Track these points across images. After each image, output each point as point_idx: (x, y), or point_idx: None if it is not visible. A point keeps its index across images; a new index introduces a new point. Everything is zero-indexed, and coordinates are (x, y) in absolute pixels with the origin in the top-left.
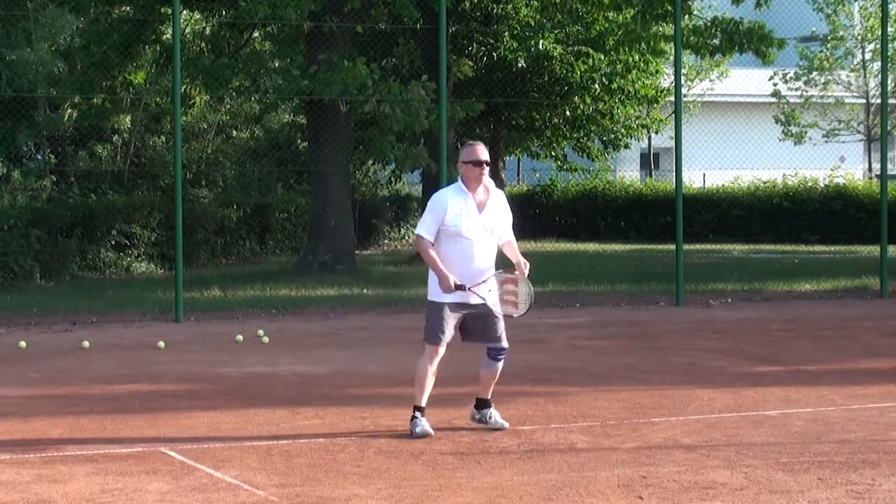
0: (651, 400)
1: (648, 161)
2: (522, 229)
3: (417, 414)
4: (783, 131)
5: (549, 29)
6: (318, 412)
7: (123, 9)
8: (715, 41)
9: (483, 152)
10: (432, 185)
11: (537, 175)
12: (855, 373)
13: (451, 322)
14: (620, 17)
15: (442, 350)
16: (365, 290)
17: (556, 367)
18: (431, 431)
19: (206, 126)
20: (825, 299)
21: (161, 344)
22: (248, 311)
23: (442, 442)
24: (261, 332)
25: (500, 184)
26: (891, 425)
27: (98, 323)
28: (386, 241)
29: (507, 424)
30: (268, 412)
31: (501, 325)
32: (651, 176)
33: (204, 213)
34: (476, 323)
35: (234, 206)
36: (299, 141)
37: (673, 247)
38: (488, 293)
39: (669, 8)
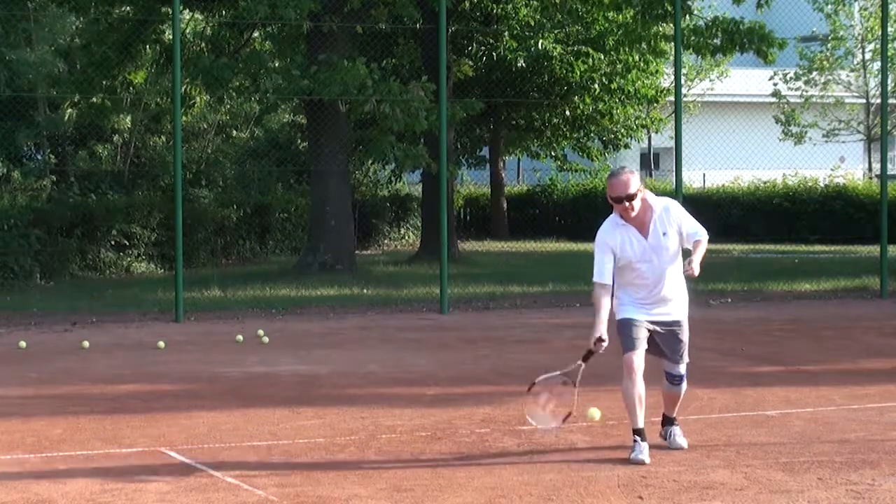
0: (651, 400)
1: (648, 161)
2: (523, 229)
3: (637, 438)
4: (783, 131)
5: (549, 29)
6: (318, 412)
7: (123, 9)
8: (715, 41)
9: (625, 185)
10: (432, 185)
11: (537, 175)
12: (855, 373)
13: (642, 329)
14: (620, 17)
15: (637, 358)
16: (365, 290)
17: (557, 368)
18: (646, 460)
19: (206, 126)
20: (825, 299)
21: (161, 344)
22: (248, 311)
23: (442, 442)
24: (261, 332)
25: (499, 184)
26: (891, 425)
27: (98, 323)
28: (386, 241)
29: (685, 444)
30: (268, 412)
31: (683, 350)
32: (651, 176)
33: (204, 213)
34: (660, 339)
35: (234, 206)
36: (299, 141)
37: None
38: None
39: (669, 8)
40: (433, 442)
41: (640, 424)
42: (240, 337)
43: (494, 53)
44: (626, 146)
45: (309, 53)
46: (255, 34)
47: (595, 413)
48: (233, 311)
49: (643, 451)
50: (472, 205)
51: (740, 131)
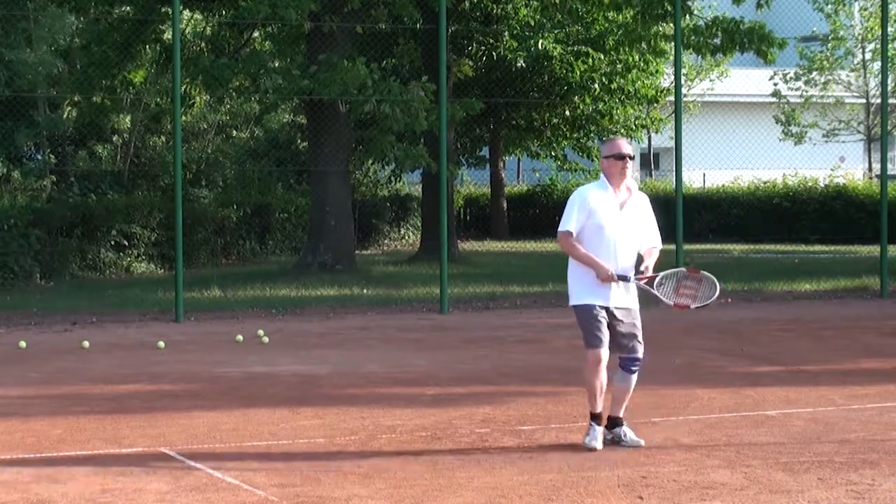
0: (651, 400)
1: (648, 161)
2: (523, 229)
3: (593, 423)
4: (783, 131)
5: (549, 29)
6: (318, 412)
7: (123, 9)
8: (716, 41)
9: (625, 146)
10: (432, 185)
11: (537, 175)
12: (855, 373)
13: (604, 322)
14: (620, 17)
15: (604, 353)
16: (365, 290)
17: (556, 367)
18: (598, 447)
19: (206, 126)
20: (825, 299)
21: (161, 344)
22: (248, 311)
23: (442, 442)
24: (261, 332)
25: (499, 184)
26: (891, 425)
27: (98, 323)
28: (386, 241)
29: (642, 442)
30: (268, 412)
31: (639, 335)
32: (651, 176)
33: (204, 213)
34: (615, 330)
35: (234, 206)
36: (299, 141)
37: (674, 247)
38: (659, 287)
39: (669, 8)
40: (433, 442)
41: (599, 409)
42: (240, 337)
43: (494, 53)
44: None
45: (309, 53)
46: (255, 34)
47: None
48: (233, 311)
49: (597, 438)
50: (472, 205)
51: (740, 131)
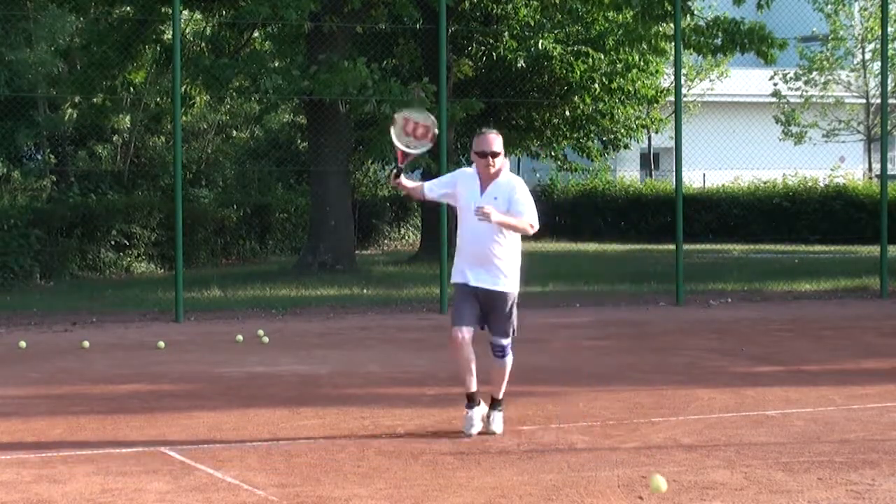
0: (651, 400)
1: (648, 161)
2: None
3: (467, 405)
4: (783, 131)
5: (549, 29)
6: (318, 412)
7: (123, 9)
8: (716, 41)
9: (489, 142)
10: None
11: (537, 175)
12: (855, 373)
13: (467, 302)
14: (620, 17)
15: (458, 333)
16: (365, 290)
17: (556, 367)
18: (472, 433)
19: (206, 126)
20: (825, 299)
21: (161, 344)
22: (248, 311)
23: (442, 442)
24: (261, 332)
25: None
26: (891, 425)
27: (98, 323)
28: (386, 241)
29: (499, 431)
30: (268, 412)
31: (506, 320)
32: (651, 176)
33: (204, 213)
34: (486, 309)
35: (234, 206)
36: (299, 141)
37: (673, 247)
38: (408, 150)
39: (669, 8)
40: (433, 442)
41: (473, 388)
42: (240, 337)
43: (494, 53)
44: (626, 146)
45: (309, 54)
46: (255, 34)
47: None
48: (233, 311)
49: (472, 423)
50: None
51: (740, 131)
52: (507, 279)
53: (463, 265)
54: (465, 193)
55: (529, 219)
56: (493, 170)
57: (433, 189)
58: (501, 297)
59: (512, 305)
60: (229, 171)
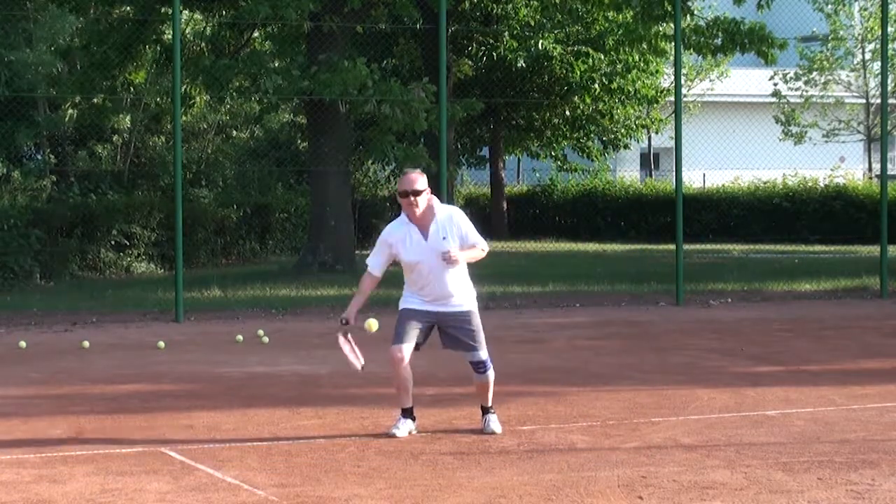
0: (651, 400)
1: (648, 161)
2: (523, 229)
3: (402, 417)
4: (783, 131)
5: (549, 29)
6: (318, 412)
7: (123, 9)
8: (716, 41)
9: (411, 182)
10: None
11: (537, 175)
12: (855, 373)
13: (414, 322)
14: (620, 17)
15: (401, 353)
16: None
17: (556, 367)
18: (399, 434)
19: (206, 126)
20: (825, 299)
21: (161, 344)
22: (248, 311)
23: (442, 442)
24: (261, 332)
25: (499, 184)
26: (891, 425)
27: (98, 323)
28: None
29: (499, 430)
30: (268, 412)
31: (477, 333)
32: (651, 176)
33: (204, 213)
34: (452, 331)
35: (234, 206)
36: (299, 141)
37: (673, 247)
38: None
39: (669, 8)
40: (433, 442)
41: (408, 405)
42: (240, 337)
43: (494, 53)
44: (626, 146)
45: (309, 53)
46: (255, 34)
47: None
48: (233, 311)
49: (400, 427)
50: (472, 205)
51: (740, 131)
52: (468, 298)
53: (419, 300)
54: (407, 244)
55: (482, 245)
56: (418, 210)
57: (376, 267)
58: (467, 315)
59: (477, 319)
60: (229, 171)
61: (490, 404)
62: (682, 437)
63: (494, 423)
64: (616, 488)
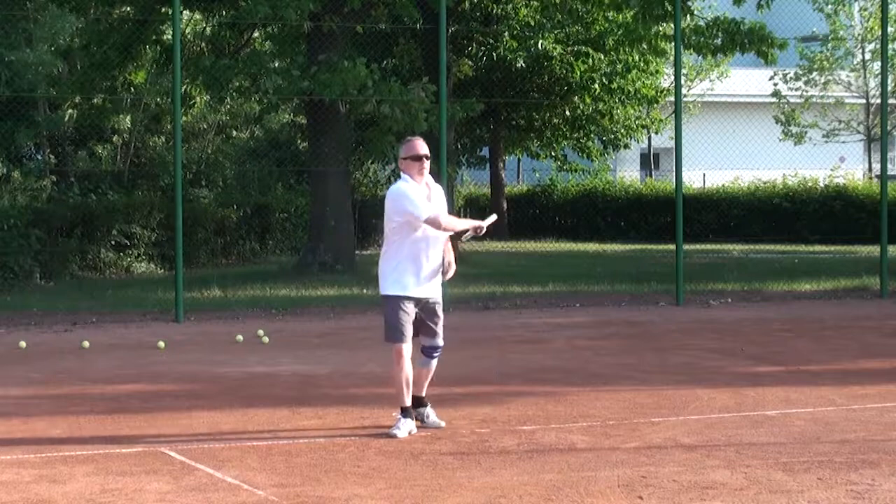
0: (651, 400)
1: (648, 161)
2: (523, 229)
3: (402, 416)
4: (783, 131)
5: (549, 29)
6: (318, 412)
7: (123, 9)
8: (716, 41)
9: (423, 146)
10: None
11: (537, 175)
12: (855, 373)
13: (410, 316)
14: (620, 17)
15: (406, 348)
16: (365, 290)
17: (556, 367)
18: (400, 435)
19: (206, 126)
20: (825, 299)
21: (161, 344)
22: (248, 311)
23: (442, 442)
24: (261, 332)
25: (499, 184)
26: (891, 425)
27: (98, 323)
28: None
29: (442, 423)
30: (268, 412)
31: (441, 323)
32: (651, 176)
33: (204, 213)
34: (422, 317)
35: (234, 206)
36: (299, 141)
37: (673, 247)
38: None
39: (669, 8)
40: (433, 442)
41: (408, 403)
42: (240, 337)
43: (494, 53)
44: (626, 146)
45: (309, 54)
46: (255, 34)
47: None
48: (233, 311)
49: (401, 428)
50: (472, 205)
51: (740, 131)
52: (440, 285)
53: (410, 277)
54: (426, 199)
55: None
56: (426, 173)
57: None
58: (438, 303)
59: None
60: (229, 171)
61: (424, 394)
62: (682, 437)
63: (435, 416)
64: (616, 488)
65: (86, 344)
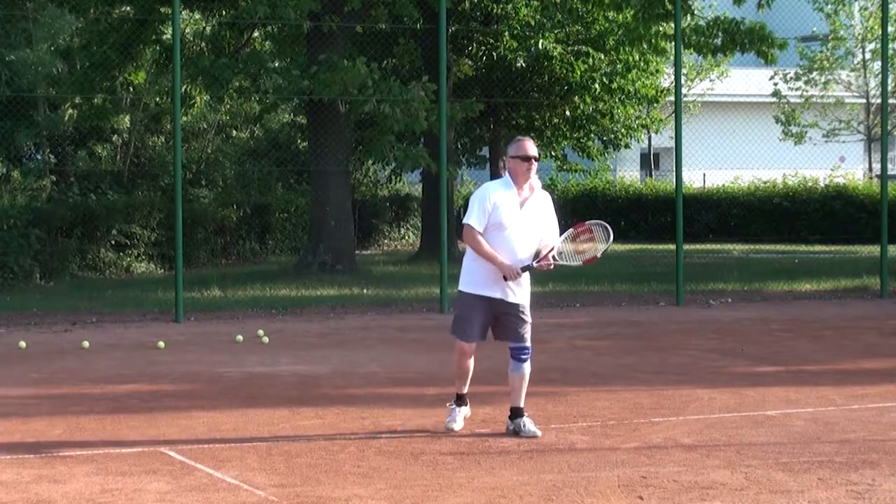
0: (651, 400)
1: (648, 161)
2: None
3: (455, 406)
4: (783, 131)
5: (549, 29)
6: (318, 412)
7: (123, 9)
8: (716, 41)
9: (532, 148)
10: (432, 185)
11: (537, 175)
12: (855, 373)
13: (480, 316)
14: (620, 16)
15: (470, 347)
16: (365, 290)
17: (556, 367)
18: (457, 427)
19: (206, 126)
20: (825, 299)
21: (161, 344)
22: (248, 311)
23: (442, 442)
24: (261, 332)
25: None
26: (891, 425)
27: (98, 323)
28: (386, 241)
29: (539, 433)
30: (268, 412)
31: (527, 326)
32: (651, 176)
33: (204, 213)
34: (502, 320)
35: (234, 206)
36: (299, 141)
37: (673, 247)
38: (560, 256)
39: (669, 8)
40: (433, 442)
41: (463, 391)
42: (240, 337)
43: (494, 53)
44: (627, 146)
45: (309, 53)
46: (255, 34)
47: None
48: (233, 311)
49: (456, 419)
50: None
51: (740, 131)
52: (527, 291)
53: (485, 277)
54: (508, 206)
55: (557, 241)
56: (531, 175)
57: (482, 225)
58: (522, 308)
59: (528, 310)
60: (229, 171)
61: (523, 404)
62: (682, 437)
63: (532, 425)
64: (616, 488)
65: (85, 344)
